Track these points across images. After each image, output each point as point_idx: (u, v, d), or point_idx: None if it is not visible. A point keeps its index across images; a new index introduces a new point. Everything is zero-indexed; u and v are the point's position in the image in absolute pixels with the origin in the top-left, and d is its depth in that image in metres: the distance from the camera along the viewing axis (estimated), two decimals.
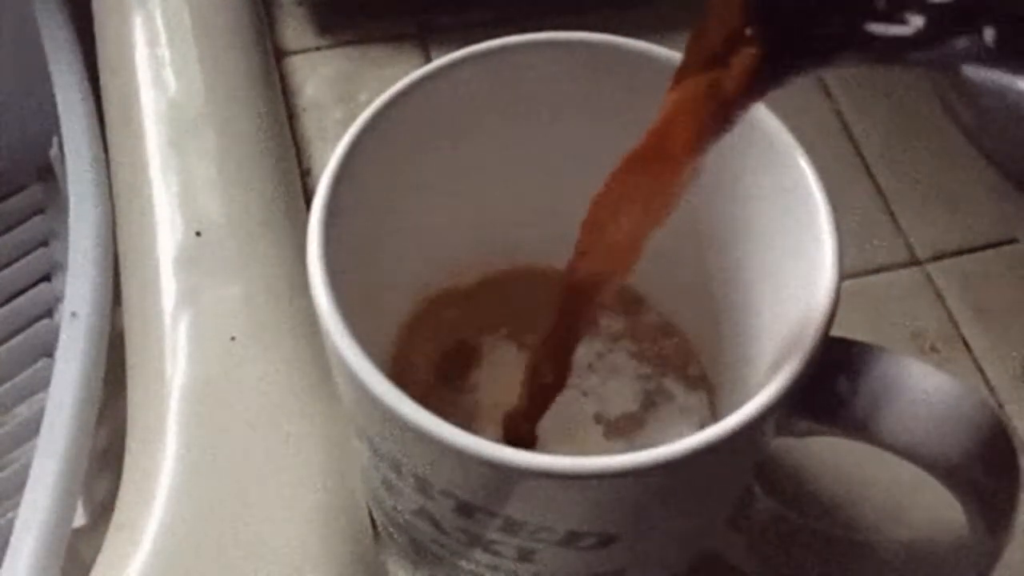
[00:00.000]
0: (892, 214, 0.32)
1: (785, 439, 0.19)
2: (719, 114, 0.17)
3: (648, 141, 0.18)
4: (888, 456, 0.18)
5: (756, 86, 0.17)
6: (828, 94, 0.34)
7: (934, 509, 0.20)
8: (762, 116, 0.20)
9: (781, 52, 0.16)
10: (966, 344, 0.30)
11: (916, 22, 0.15)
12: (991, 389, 0.29)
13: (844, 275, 0.19)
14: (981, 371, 0.29)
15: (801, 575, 0.23)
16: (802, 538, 0.23)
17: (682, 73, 0.17)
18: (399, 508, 0.21)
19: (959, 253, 0.31)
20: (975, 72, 0.15)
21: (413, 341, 0.25)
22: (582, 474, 0.16)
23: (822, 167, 0.20)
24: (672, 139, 0.17)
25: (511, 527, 0.18)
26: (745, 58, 0.16)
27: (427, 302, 0.26)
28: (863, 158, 0.33)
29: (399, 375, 0.24)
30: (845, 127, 0.33)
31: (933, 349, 0.29)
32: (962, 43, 0.14)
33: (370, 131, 0.20)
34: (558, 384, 0.22)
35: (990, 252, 0.31)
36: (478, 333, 0.26)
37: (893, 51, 0.15)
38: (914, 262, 0.31)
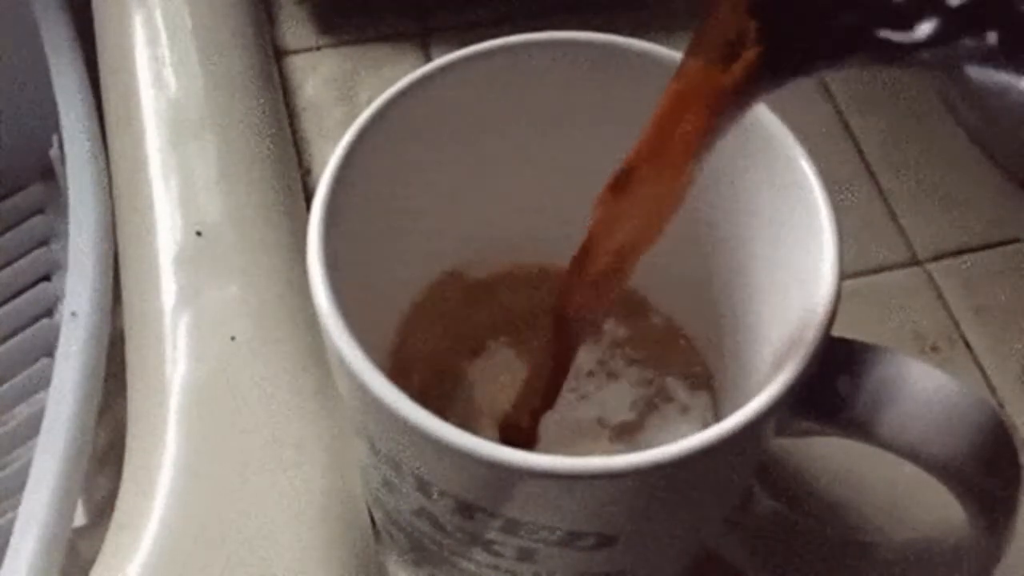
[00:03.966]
0: (893, 214, 0.32)
1: (786, 439, 0.19)
2: (718, 113, 0.17)
3: (648, 141, 0.18)
4: (889, 456, 0.18)
5: (756, 85, 0.16)
6: (829, 93, 0.34)
7: (935, 509, 0.20)
8: (763, 117, 0.20)
9: (784, 52, 0.16)
10: (967, 344, 0.30)
11: (925, 27, 0.15)
12: (992, 389, 0.29)
13: (845, 275, 0.19)
14: (982, 371, 0.29)
15: None
16: (802, 538, 0.23)
17: (683, 70, 0.17)
18: (399, 508, 0.21)
19: (960, 253, 0.31)
20: (978, 73, 0.15)
21: (413, 341, 0.25)
22: (582, 474, 0.16)
23: (823, 166, 0.20)
24: (672, 141, 0.17)
25: (511, 527, 0.18)
26: (747, 57, 0.16)
27: (427, 301, 0.26)
28: (864, 158, 0.33)
29: (399, 375, 0.24)
30: (846, 126, 0.33)
31: (934, 349, 0.29)
32: (966, 44, 0.14)
33: (370, 131, 0.20)
34: (556, 388, 0.22)
35: (991, 252, 0.31)
36: (478, 333, 0.26)
37: (898, 53, 0.15)
38: (915, 262, 0.31)
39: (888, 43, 0.15)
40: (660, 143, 0.17)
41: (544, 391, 0.23)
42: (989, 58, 0.14)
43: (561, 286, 0.20)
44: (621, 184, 0.18)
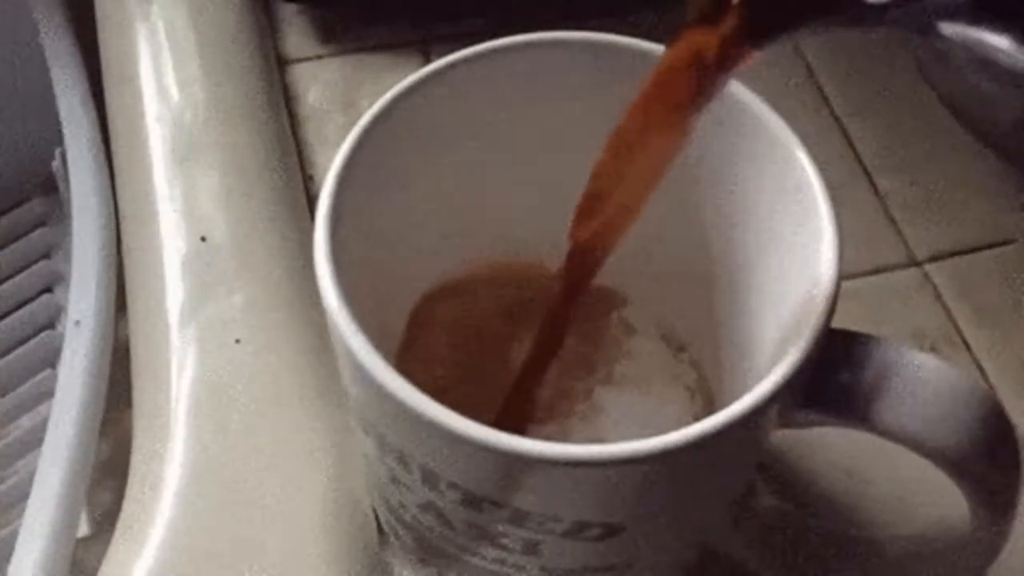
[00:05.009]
0: (890, 215, 0.32)
1: (787, 433, 0.20)
2: (703, 76, 0.18)
3: (641, 101, 0.19)
4: (891, 452, 0.18)
5: (738, 48, 0.17)
6: (824, 96, 0.34)
7: (937, 505, 0.20)
8: (763, 113, 0.20)
9: (762, 12, 0.17)
10: (965, 344, 0.30)
11: None
12: (991, 389, 0.29)
13: (843, 276, 0.19)
14: (981, 371, 0.29)
15: (804, 571, 0.24)
16: (805, 534, 0.24)
17: (675, 35, 0.18)
18: (405, 503, 0.21)
19: (957, 253, 0.31)
20: (950, 29, 0.15)
21: (418, 337, 0.25)
22: (589, 461, 0.16)
23: (820, 168, 0.20)
24: (662, 102, 0.18)
25: (518, 518, 0.18)
26: (729, 19, 0.17)
27: (431, 299, 0.26)
28: (860, 160, 0.33)
29: (405, 370, 0.24)
30: (842, 129, 0.34)
31: (932, 349, 0.29)
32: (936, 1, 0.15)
33: (372, 132, 0.21)
34: (552, 352, 0.23)
35: (988, 252, 0.31)
36: (482, 328, 0.26)
37: (868, 12, 0.16)
38: (913, 263, 0.31)
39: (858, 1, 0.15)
40: (653, 104, 0.19)
41: (540, 355, 0.23)
42: (958, 13, 0.15)
43: (570, 231, 0.21)
44: (617, 144, 0.19)
